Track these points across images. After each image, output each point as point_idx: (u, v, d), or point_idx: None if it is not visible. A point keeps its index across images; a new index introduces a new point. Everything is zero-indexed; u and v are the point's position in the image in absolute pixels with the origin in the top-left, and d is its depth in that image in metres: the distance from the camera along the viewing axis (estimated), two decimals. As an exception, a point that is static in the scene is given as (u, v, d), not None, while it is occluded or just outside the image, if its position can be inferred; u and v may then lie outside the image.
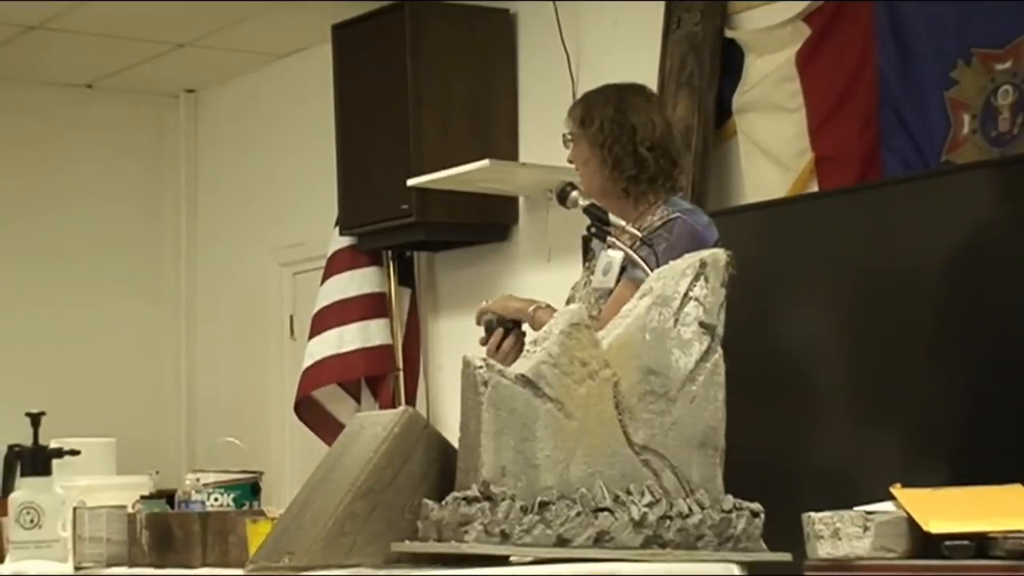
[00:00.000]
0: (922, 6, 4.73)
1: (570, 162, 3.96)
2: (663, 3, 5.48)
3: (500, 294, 4.03)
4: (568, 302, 3.91)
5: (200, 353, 7.94)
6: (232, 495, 3.74)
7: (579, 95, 5.61)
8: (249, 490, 3.78)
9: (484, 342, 3.83)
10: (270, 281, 7.56)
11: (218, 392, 7.75)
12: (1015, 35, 4.50)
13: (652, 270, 3.18)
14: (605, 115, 3.86)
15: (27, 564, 3.22)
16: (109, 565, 3.29)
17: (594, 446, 2.56)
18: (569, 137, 3.93)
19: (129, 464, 4.69)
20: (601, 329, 2.71)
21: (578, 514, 2.50)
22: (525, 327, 3.78)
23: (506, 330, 3.78)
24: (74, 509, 3.37)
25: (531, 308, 3.74)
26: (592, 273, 3.86)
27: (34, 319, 7.58)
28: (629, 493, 2.57)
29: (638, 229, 3.71)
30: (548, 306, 3.71)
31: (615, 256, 3.68)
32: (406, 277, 6.54)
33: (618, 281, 3.67)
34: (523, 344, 3.68)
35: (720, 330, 2.80)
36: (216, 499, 3.73)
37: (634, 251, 3.58)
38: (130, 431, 6.12)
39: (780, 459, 4.50)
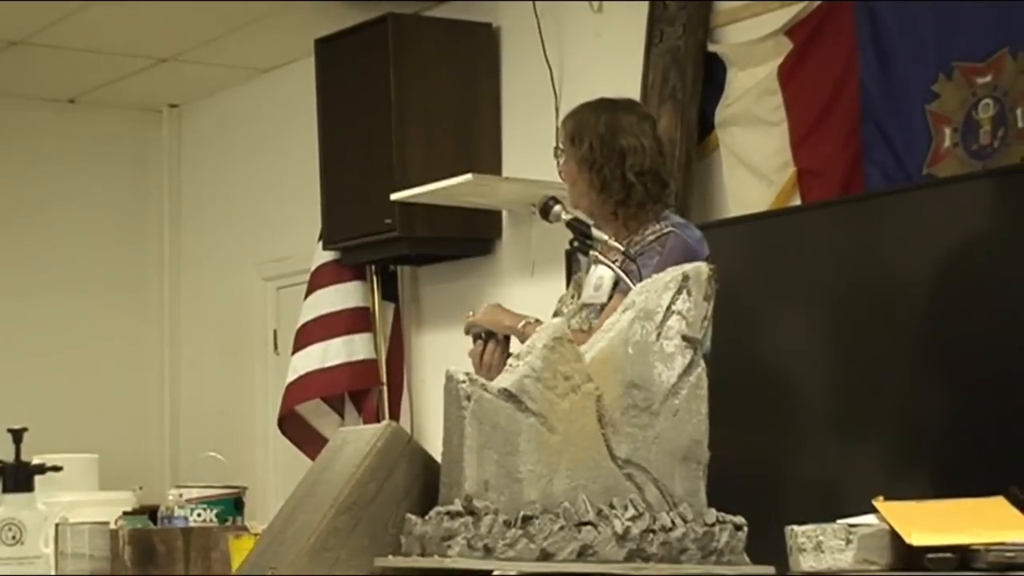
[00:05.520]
0: (904, 20, 4.75)
1: (560, 175, 3.93)
2: (646, 17, 5.50)
3: (487, 303, 4.01)
4: (555, 316, 3.91)
5: (184, 368, 7.93)
6: (215, 510, 3.74)
7: (562, 109, 5.68)
8: (232, 505, 3.77)
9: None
10: (254, 296, 7.55)
11: (202, 407, 7.74)
12: (996, 49, 4.52)
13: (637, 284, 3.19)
14: (595, 135, 3.81)
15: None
16: (92, 581, 3.28)
17: (577, 460, 2.56)
18: (560, 151, 3.91)
19: (112, 480, 4.68)
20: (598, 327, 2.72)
21: (561, 528, 2.50)
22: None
23: (486, 339, 3.78)
24: (56, 525, 3.37)
25: (520, 324, 3.73)
26: (580, 287, 3.86)
27: (16, 333, 7.57)
28: (612, 507, 2.56)
29: (631, 243, 3.71)
30: (537, 321, 3.69)
31: (606, 272, 3.68)
32: (390, 291, 6.55)
33: (611, 296, 3.67)
34: (507, 354, 3.67)
35: (708, 344, 2.80)
36: (199, 515, 3.73)
37: (620, 266, 3.59)
38: (113, 446, 6.11)
39: (763, 472, 4.50)
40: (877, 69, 4.81)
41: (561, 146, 3.89)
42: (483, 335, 3.80)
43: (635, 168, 3.78)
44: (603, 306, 3.71)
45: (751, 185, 5.16)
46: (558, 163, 3.92)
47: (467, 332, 3.83)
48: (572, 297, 3.92)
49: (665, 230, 3.75)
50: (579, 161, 3.82)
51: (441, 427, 2.54)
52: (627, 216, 3.80)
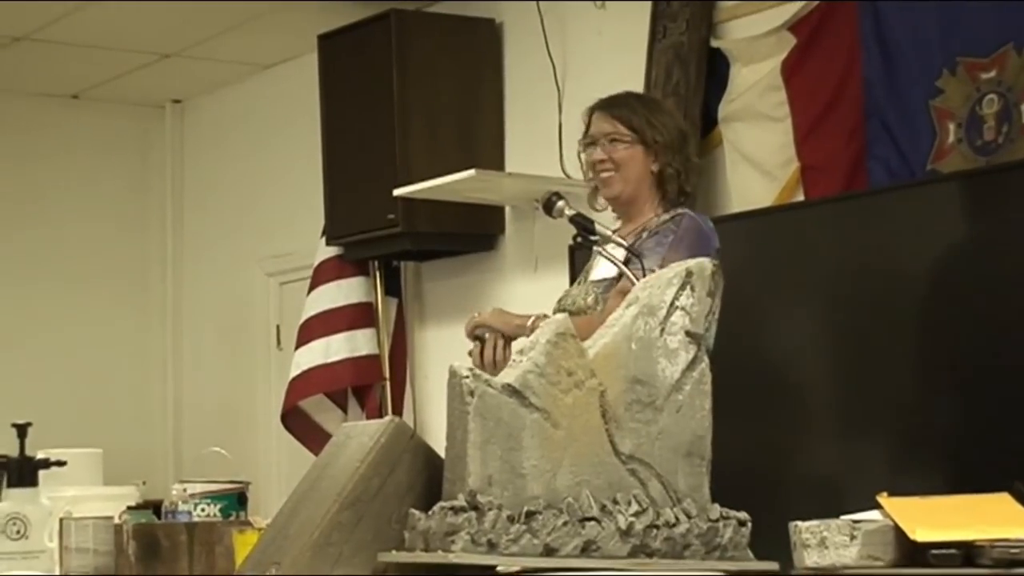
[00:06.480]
0: (907, 15, 4.74)
1: (601, 161, 3.87)
2: (649, 13, 5.49)
3: (491, 307, 4.00)
4: (560, 301, 3.91)
5: (187, 363, 7.93)
6: (219, 505, 3.74)
7: (565, 105, 5.69)
8: (236, 500, 3.77)
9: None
10: (257, 291, 7.55)
11: (205, 402, 7.74)
12: (1000, 44, 4.52)
13: (645, 275, 3.20)
14: (680, 122, 3.92)
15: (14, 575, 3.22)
16: (96, 576, 3.28)
17: (581, 455, 2.56)
18: (617, 138, 3.85)
19: (116, 474, 4.68)
20: (600, 322, 2.72)
21: (565, 524, 2.50)
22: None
23: (488, 337, 3.77)
24: (61, 520, 3.37)
25: (531, 321, 3.73)
26: (589, 273, 3.87)
27: (20, 329, 7.57)
28: (616, 502, 2.56)
29: (646, 227, 3.73)
30: (546, 316, 3.69)
31: (617, 250, 3.68)
32: (393, 287, 6.54)
33: (620, 276, 3.68)
34: (509, 352, 3.67)
35: (711, 341, 2.81)
36: (203, 509, 3.73)
37: (622, 261, 3.59)
38: (117, 441, 6.11)
39: (767, 468, 4.50)
40: (880, 65, 4.80)
41: (618, 135, 3.85)
42: (485, 334, 3.79)
43: (695, 156, 3.91)
44: (611, 282, 3.72)
45: (754, 181, 5.16)
46: (606, 150, 3.86)
47: (470, 334, 3.82)
48: (579, 284, 3.94)
49: (680, 211, 3.80)
50: (662, 146, 3.83)
51: (444, 422, 2.55)
52: (668, 204, 3.83)
